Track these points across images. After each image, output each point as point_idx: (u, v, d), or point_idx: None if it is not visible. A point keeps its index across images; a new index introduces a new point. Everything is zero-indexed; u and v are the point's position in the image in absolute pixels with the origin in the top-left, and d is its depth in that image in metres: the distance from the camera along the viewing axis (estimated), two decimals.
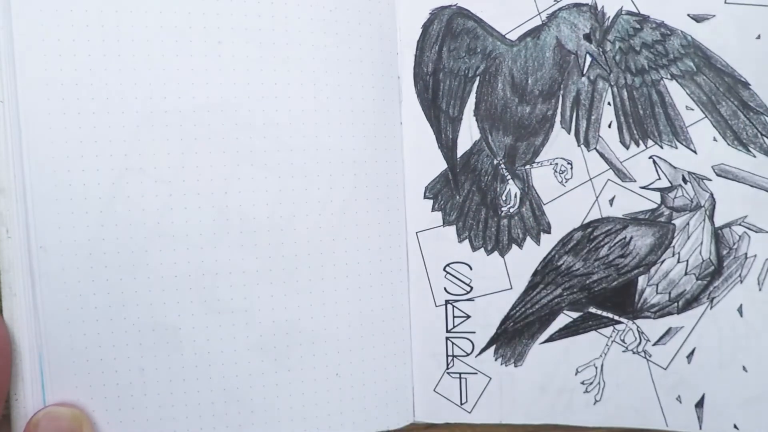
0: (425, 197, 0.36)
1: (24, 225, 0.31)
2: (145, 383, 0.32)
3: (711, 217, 0.35)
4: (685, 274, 0.35)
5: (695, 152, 0.35)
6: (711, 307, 0.35)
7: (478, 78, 0.36)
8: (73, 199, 0.31)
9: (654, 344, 0.35)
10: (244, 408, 0.33)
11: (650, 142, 0.35)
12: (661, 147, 0.35)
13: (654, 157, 0.35)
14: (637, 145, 0.35)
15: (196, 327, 0.33)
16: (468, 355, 0.36)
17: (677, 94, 0.35)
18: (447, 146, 0.36)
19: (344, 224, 0.34)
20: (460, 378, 0.36)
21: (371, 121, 0.35)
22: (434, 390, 0.36)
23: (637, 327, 0.35)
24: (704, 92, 0.34)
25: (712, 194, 0.35)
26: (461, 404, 0.36)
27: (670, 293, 0.35)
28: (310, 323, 0.34)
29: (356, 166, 0.35)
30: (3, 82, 0.30)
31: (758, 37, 0.34)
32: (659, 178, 0.35)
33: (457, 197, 0.36)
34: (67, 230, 0.31)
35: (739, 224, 0.34)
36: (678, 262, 0.35)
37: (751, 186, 0.34)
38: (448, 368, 0.36)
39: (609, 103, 0.35)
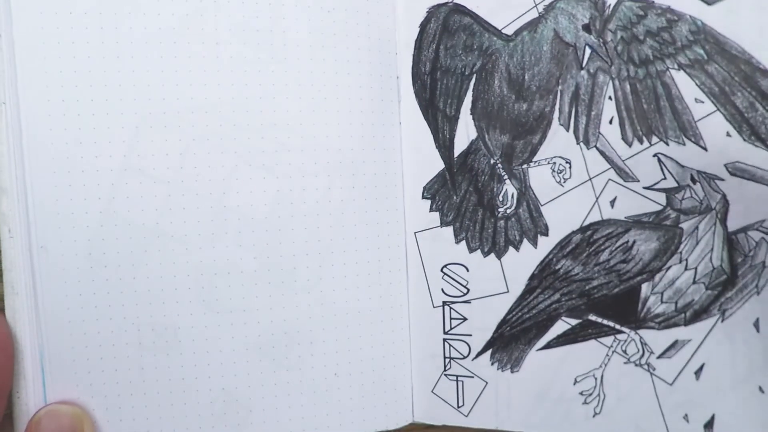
0: (423, 197, 0.36)
1: (25, 225, 0.31)
2: (144, 382, 0.32)
3: (723, 221, 0.32)
4: (694, 282, 0.33)
5: (705, 149, 0.32)
6: (722, 320, 0.32)
7: (474, 75, 0.35)
8: (73, 199, 0.31)
9: (658, 357, 0.33)
10: (242, 407, 0.33)
11: (655, 139, 0.33)
12: (667, 144, 0.33)
13: (659, 155, 0.33)
14: (641, 142, 0.33)
15: (195, 326, 0.33)
16: (465, 357, 0.36)
17: (685, 85, 0.32)
18: (444, 146, 0.36)
19: (343, 224, 0.34)
20: (457, 381, 0.36)
21: (370, 121, 0.35)
22: (432, 391, 0.36)
23: (640, 338, 0.34)
24: (716, 83, 0.32)
25: (724, 195, 0.32)
26: (458, 407, 0.36)
27: (676, 303, 0.33)
28: (308, 323, 0.34)
29: (354, 166, 0.35)
30: (4, 85, 0.31)
31: None
32: (665, 178, 0.33)
33: (455, 197, 0.36)
34: (67, 230, 0.31)
35: (756, 229, 0.32)
36: (685, 269, 0.33)
37: None
38: (445, 370, 0.36)
39: (610, 98, 0.33)
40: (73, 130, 0.31)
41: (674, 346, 0.33)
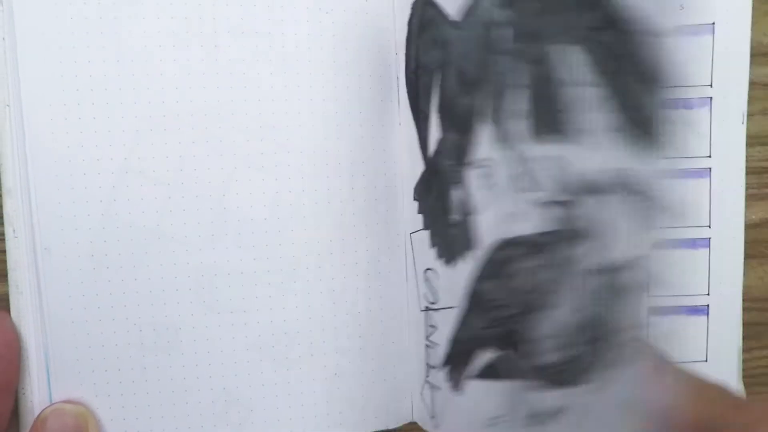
0: (414, 199, 0.35)
1: (29, 226, 0.32)
2: (146, 382, 0.33)
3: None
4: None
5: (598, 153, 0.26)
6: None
7: (440, 70, 0.32)
8: (75, 201, 0.32)
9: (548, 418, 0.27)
10: (243, 407, 0.34)
11: (557, 141, 0.27)
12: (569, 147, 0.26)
13: (561, 159, 0.26)
14: (546, 143, 0.27)
15: (196, 327, 0.33)
16: (435, 367, 0.33)
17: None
18: (423, 146, 0.33)
19: (342, 225, 0.34)
20: (432, 389, 0.34)
21: (369, 123, 0.35)
22: (420, 394, 0.35)
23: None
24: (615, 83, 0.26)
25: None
26: (431, 417, 0.34)
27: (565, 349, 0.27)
28: (308, 323, 0.34)
29: (354, 167, 0.35)
30: (8, 87, 0.31)
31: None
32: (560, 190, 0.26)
33: (430, 200, 0.33)
34: (70, 232, 0.32)
35: None
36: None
37: None
38: (427, 376, 0.34)
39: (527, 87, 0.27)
40: (74, 134, 0.32)
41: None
